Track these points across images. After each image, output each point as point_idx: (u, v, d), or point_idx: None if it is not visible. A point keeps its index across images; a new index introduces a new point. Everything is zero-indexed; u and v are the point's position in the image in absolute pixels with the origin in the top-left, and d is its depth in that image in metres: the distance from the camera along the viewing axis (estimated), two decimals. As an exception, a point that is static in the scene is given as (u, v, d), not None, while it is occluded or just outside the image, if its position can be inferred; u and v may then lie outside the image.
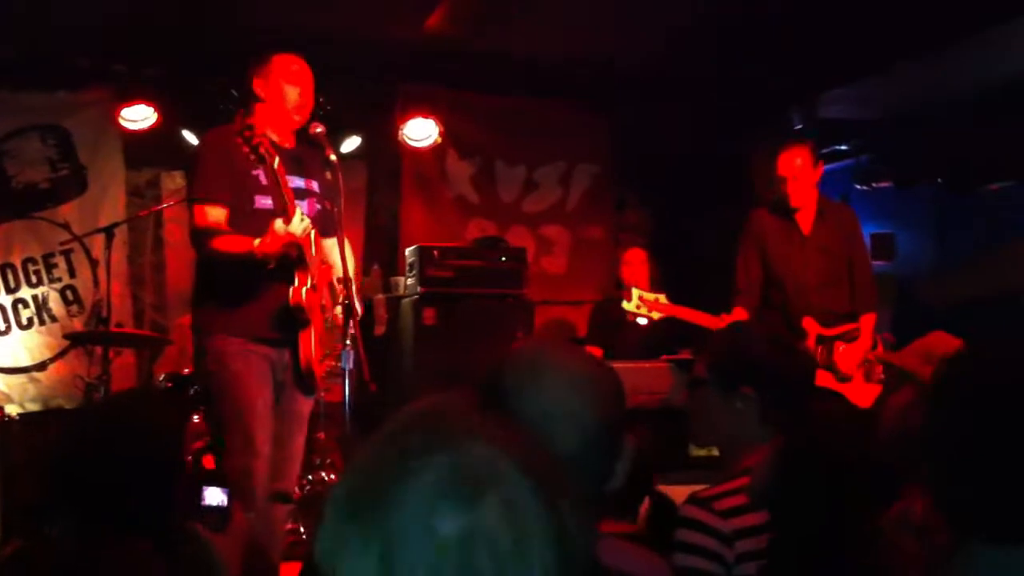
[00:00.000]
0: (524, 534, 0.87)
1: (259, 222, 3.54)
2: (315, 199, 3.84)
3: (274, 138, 3.73)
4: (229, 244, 3.55)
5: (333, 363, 4.04)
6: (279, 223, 3.45)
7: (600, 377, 1.56)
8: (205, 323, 3.71)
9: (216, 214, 3.60)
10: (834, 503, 1.78)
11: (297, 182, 3.76)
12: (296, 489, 5.23)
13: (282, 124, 3.79)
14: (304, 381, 3.72)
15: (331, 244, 3.94)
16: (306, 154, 3.88)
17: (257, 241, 3.48)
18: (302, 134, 3.88)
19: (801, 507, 1.80)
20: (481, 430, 0.94)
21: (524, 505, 0.88)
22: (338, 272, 3.88)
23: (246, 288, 3.61)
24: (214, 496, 2.24)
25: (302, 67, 3.82)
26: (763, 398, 2.29)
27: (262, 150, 3.54)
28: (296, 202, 3.62)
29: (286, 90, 3.75)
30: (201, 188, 3.68)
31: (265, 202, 3.65)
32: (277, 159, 3.60)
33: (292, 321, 3.61)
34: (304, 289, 3.58)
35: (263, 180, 3.64)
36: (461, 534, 0.86)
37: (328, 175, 3.88)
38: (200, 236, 3.63)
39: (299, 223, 3.49)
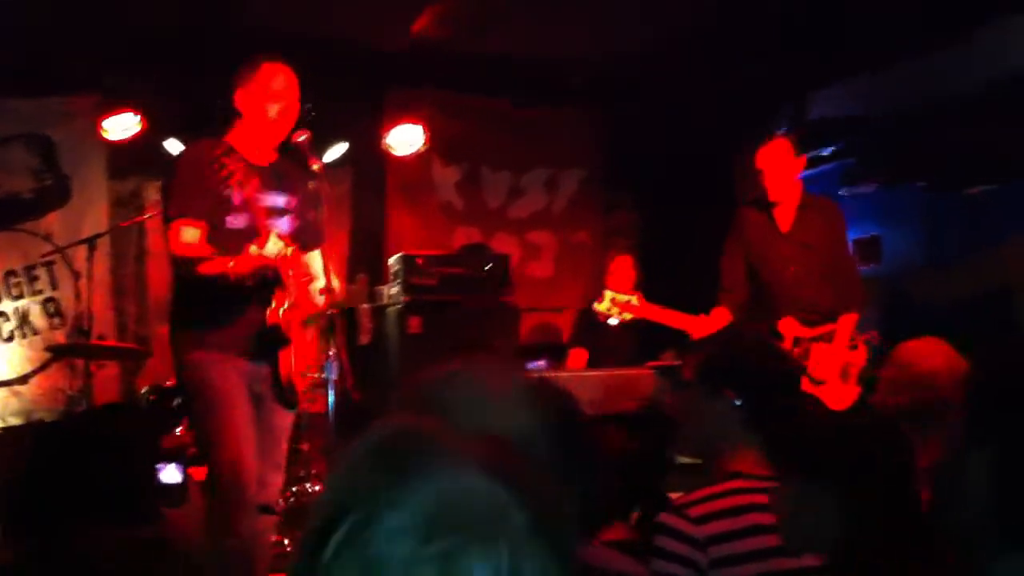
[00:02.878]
0: (524, 559, 0.84)
1: (231, 241, 3.54)
2: (295, 215, 3.82)
3: (250, 157, 3.71)
4: (207, 268, 3.53)
5: (315, 375, 4.03)
6: (253, 248, 3.44)
7: (541, 389, 1.53)
8: (181, 339, 3.70)
9: (191, 234, 3.57)
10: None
11: (275, 199, 3.75)
12: (280, 501, 5.20)
13: (262, 139, 3.76)
14: (284, 395, 3.72)
15: (315, 256, 3.92)
16: (287, 168, 3.86)
17: (232, 263, 3.46)
18: (286, 145, 3.85)
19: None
20: (470, 454, 0.89)
21: (525, 535, 0.84)
22: (322, 283, 3.86)
23: (223, 308, 3.60)
24: (170, 473, 2.26)
25: (288, 81, 3.76)
26: (747, 402, 2.28)
27: (236, 179, 3.50)
28: (272, 221, 3.61)
29: (267, 107, 3.70)
30: (175, 207, 3.64)
31: (237, 222, 3.62)
32: (254, 184, 3.56)
33: (270, 340, 3.62)
34: (282, 309, 3.58)
35: (236, 200, 3.61)
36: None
37: (311, 184, 3.85)
38: (179, 261, 3.62)
39: (272, 246, 3.46)
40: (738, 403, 2.28)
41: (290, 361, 3.67)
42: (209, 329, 3.61)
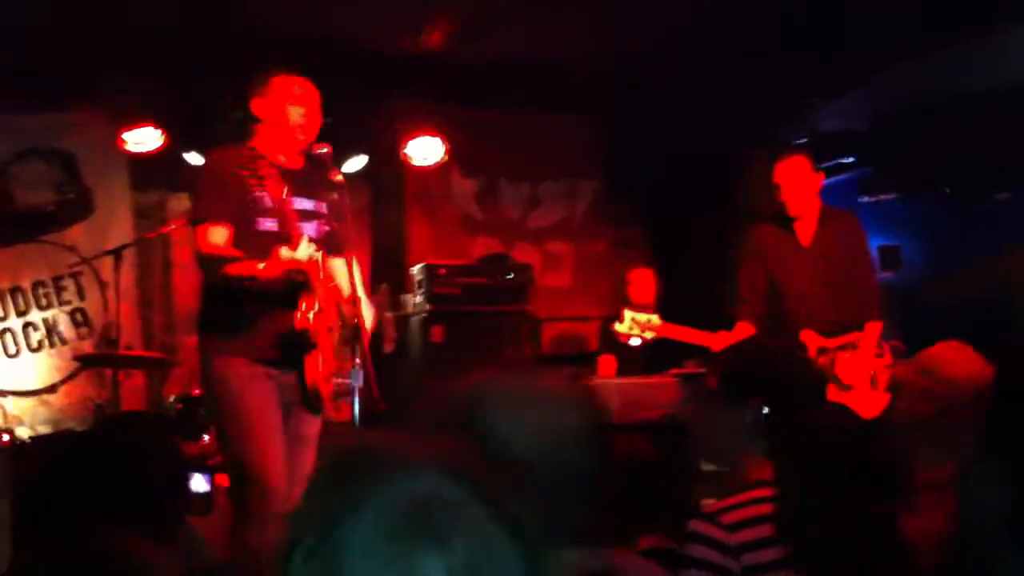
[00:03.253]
0: (496, 560, 0.86)
1: (262, 243, 3.54)
2: (323, 220, 3.83)
3: (282, 160, 3.72)
4: (235, 270, 3.54)
5: (340, 382, 4.03)
6: (284, 250, 3.45)
7: (573, 392, 1.56)
8: (209, 346, 3.70)
9: (219, 235, 3.58)
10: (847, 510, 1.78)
11: (305, 204, 3.75)
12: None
13: (287, 145, 3.75)
14: (311, 402, 3.70)
15: (339, 263, 3.93)
16: (314, 174, 3.88)
17: (262, 265, 3.47)
18: (310, 154, 3.88)
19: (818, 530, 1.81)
20: (425, 458, 0.92)
21: (484, 529, 0.87)
22: (346, 291, 3.86)
23: (250, 312, 3.59)
24: (198, 483, 2.29)
25: (306, 87, 3.77)
26: (771, 412, 2.30)
27: (268, 181, 3.52)
28: (302, 225, 3.62)
29: (289, 110, 3.70)
30: (202, 210, 3.66)
31: (268, 224, 3.63)
32: (285, 188, 3.59)
33: (297, 344, 3.60)
34: (311, 313, 3.56)
35: (267, 202, 3.62)
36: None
37: (335, 195, 3.89)
38: (206, 260, 3.62)
39: (304, 249, 3.48)
40: (763, 411, 2.30)
41: (317, 367, 3.64)
42: (237, 334, 3.59)
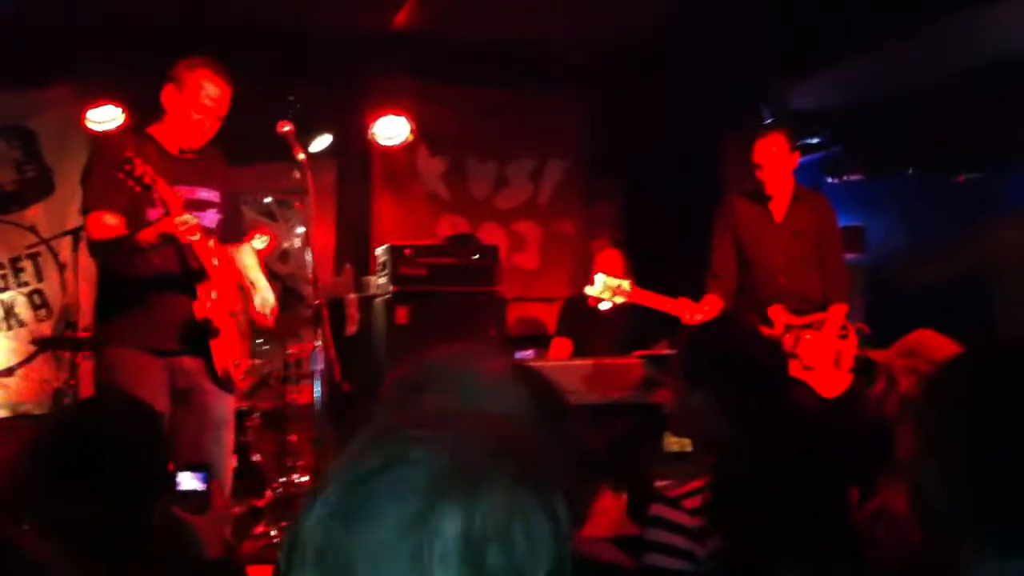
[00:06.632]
0: (529, 525, 0.86)
1: None
2: (215, 208, 3.85)
3: (176, 148, 3.75)
4: (121, 241, 3.56)
5: (251, 363, 4.04)
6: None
7: (525, 377, 1.54)
8: (103, 335, 3.76)
9: (111, 220, 3.61)
10: (799, 496, 1.77)
11: (198, 193, 3.78)
12: (268, 492, 5.21)
13: (185, 137, 3.79)
14: (222, 385, 3.74)
15: (243, 249, 3.99)
16: (212, 162, 3.88)
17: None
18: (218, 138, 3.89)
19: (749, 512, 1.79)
20: (448, 429, 0.92)
21: (509, 491, 0.87)
22: (250, 274, 3.92)
23: (142, 299, 3.63)
24: (190, 481, 2.27)
25: (219, 93, 3.76)
26: (722, 395, 2.29)
27: (146, 180, 3.49)
28: (194, 214, 3.61)
29: (191, 113, 3.74)
30: (91, 199, 3.72)
31: (158, 214, 3.62)
32: (161, 183, 3.54)
33: (196, 333, 3.63)
34: (208, 302, 3.61)
35: (155, 193, 3.59)
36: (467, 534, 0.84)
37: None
38: (99, 247, 3.66)
39: (182, 219, 3.47)
40: (714, 396, 2.29)
41: (224, 351, 3.69)
42: (130, 319, 3.64)
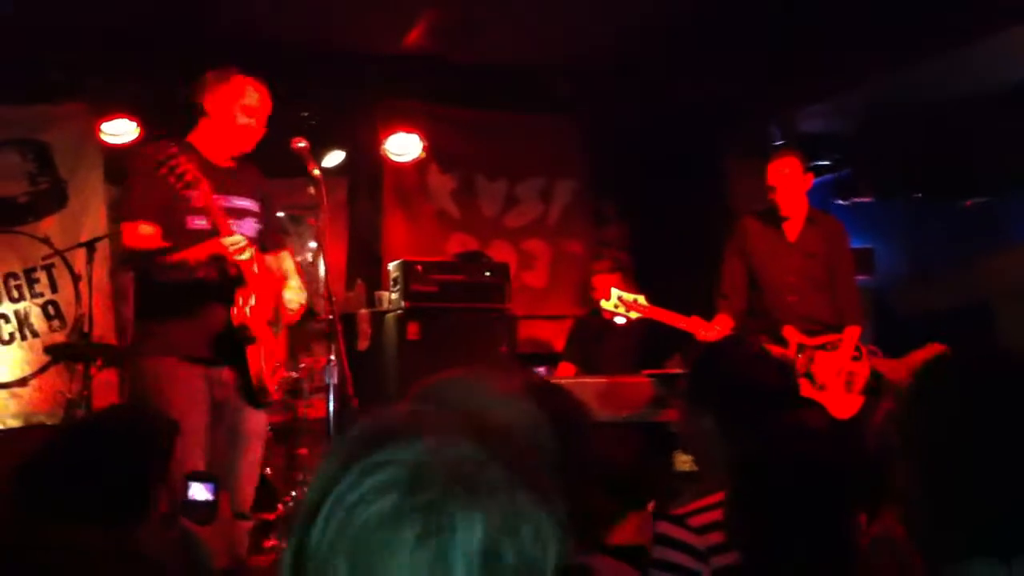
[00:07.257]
0: (537, 525, 0.86)
1: (194, 242, 3.57)
2: (254, 218, 3.85)
3: (216, 157, 3.74)
4: (163, 258, 3.58)
5: (288, 375, 4.01)
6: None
7: (546, 392, 1.56)
8: (139, 344, 3.74)
9: (146, 230, 3.60)
10: (809, 517, 1.78)
11: (237, 202, 3.78)
12: (279, 506, 5.23)
13: (226, 145, 3.78)
14: (255, 396, 3.71)
15: (282, 257, 3.98)
16: (249, 172, 3.90)
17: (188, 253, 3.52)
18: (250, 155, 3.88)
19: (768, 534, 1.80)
20: (448, 425, 0.92)
21: (510, 490, 0.86)
22: (291, 283, 3.91)
23: (182, 308, 3.61)
24: (199, 491, 2.28)
25: (262, 93, 3.78)
26: (727, 417, 2.30)
27: (188, 177, 3.52)
28: (235, 222, 3.64)
29: (238, 117, 3.73)
30: (127, 207, 3.71)
31: (199, 223, 3.64)
32: (214, 186, 3.58)
33: (233, 340, 3.62)
34: (247, 308, 3.59)
35: (196, 201, 3.62)
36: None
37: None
38: (133, 255, 3.67)
39: (232, 240, 3.50)
40: (721, 418, 2.30)
41: (260, 360, 3.66)
42: (167, 328, 3.61)
